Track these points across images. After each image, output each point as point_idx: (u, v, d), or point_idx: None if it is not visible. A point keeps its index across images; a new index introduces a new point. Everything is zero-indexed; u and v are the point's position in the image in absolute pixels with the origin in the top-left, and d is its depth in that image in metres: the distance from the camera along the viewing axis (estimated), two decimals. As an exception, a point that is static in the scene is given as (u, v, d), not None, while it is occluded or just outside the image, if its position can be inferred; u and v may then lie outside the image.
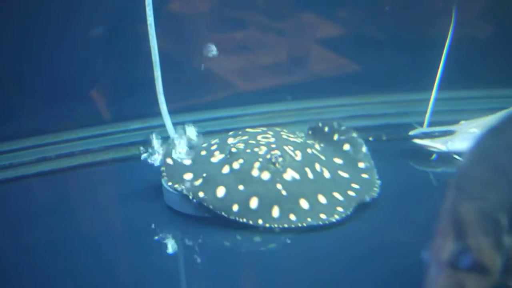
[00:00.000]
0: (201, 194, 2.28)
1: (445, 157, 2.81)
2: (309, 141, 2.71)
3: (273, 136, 2.55)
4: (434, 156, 2.85)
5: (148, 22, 2.84)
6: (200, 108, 3.31)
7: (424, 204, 2.28)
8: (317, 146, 2.69)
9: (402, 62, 3.41)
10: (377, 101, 3.43)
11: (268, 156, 2.35)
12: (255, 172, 2.32)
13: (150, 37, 2.85)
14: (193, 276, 2.16)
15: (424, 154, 2.85)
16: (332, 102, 3.46)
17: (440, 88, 2.99)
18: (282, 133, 2.63)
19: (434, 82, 3.00)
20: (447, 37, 3.01)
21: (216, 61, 3.19)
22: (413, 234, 2.17)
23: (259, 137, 2.51)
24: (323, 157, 2.57)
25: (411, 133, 2.91)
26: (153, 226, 2.39)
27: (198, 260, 2.20)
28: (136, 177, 2.67)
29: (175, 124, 2.98)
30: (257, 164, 2.34)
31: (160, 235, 2.34)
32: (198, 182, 2.35)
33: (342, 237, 2.26)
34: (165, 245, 2.28)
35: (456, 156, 2.77)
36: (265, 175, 2.32)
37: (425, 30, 3.46)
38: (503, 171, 1.37)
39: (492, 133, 1.46)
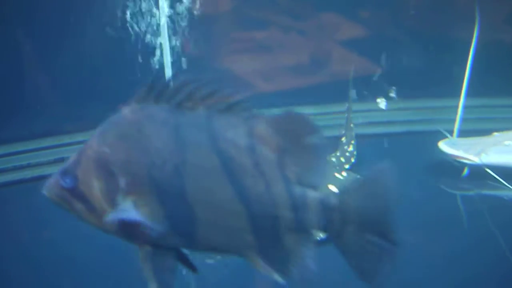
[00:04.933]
0: None
1: (478, 173, 2.57)
2: None
3: None
4: (466, 171, 2.63)
5: (161, 23, 2.83)
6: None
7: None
8: None
9: (426, 66, 3.32)
10: (401, 107, 3.29)
11: None
12: None
13: (162, 38, 2.84)
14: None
15: (454, 168, 2.63)
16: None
17: (469, 95, 2.77)
18: None
19: (461, 88, 2.84)
20: (472, 40, 2.88)
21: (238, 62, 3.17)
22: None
23: None
24: None
25: (441, 142, 2.68)
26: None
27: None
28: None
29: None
30: None
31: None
32: None
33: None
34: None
35: (489, 171, 2.54)
36: None
37: (452, 32, 3.35)
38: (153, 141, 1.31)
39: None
